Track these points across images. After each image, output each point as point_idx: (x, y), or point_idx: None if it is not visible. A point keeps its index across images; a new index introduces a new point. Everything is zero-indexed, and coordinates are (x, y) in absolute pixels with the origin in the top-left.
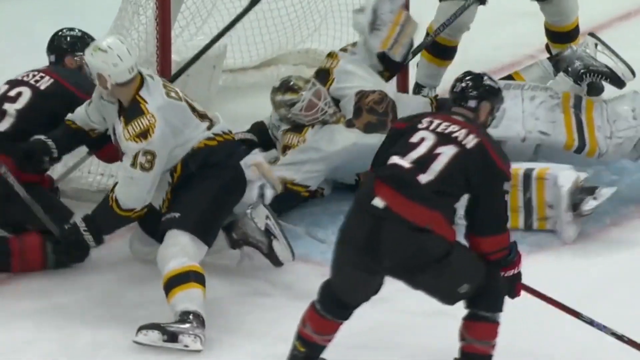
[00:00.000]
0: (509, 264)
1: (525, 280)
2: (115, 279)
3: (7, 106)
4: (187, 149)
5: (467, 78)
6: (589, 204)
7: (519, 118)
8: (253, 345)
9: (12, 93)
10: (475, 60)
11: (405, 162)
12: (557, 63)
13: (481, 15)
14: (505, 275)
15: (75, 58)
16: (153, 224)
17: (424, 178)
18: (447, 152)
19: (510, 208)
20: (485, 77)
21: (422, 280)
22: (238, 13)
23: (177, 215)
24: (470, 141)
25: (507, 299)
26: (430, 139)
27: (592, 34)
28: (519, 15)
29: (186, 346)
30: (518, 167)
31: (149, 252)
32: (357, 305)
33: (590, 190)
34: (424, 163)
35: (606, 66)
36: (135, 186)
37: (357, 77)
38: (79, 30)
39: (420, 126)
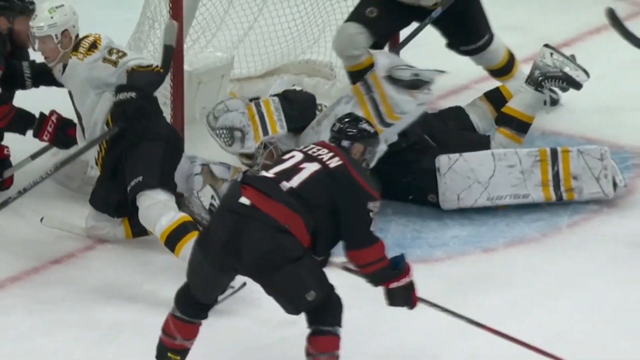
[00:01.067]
0: (396, 275)
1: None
2: (128, 271)
3: None
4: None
5: (346, 120)
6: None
7: (507, 184)
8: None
9: None
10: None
11: (270, 174)
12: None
13: None
14: (397, 286)
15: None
16: (101, 201)
17: (285, 185)
18: (309, 168)
19: (541, 182)
20: (363, 122)
21: (275, 281)
22: (244, 28)
23: (140, 178)
24: (334, 162)
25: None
26: (298, 157)
27: (546, 45)
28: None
29: (232, 287)
30: (545, 147)
31: (103, 227)
32: (211, 304)
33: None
34: (287, 174)
35: (562, 71)
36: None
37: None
38: None
39: (297, 149)
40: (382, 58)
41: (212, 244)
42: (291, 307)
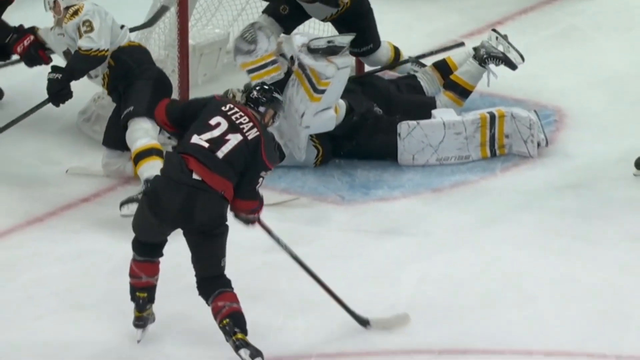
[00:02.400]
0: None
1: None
2: None
3: None
4: (115, 46)
5: (259, 89)
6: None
7: (453, 147)
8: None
9: None
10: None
11: (204, 143)
12: (477, 50)
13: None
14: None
15: None
16: (111, 138)
17: (219, 154)
18: (234, 139)
19: (480, 144)
20: (273, 90)
21: (208, 244)
22: (237, 10)
23: (131, 108)
24: (252, 134)
25: None
26: (224, 126)
27: (494, 30)
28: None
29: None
30: (484, 112)
31: (115, 163)
32: (161, 243)
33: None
34: (218, 143)
35: (503, 53)
36: (87, 38)
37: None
38: None
39: (222, 108)
40: (298, 37)
41: (165, 210)
42: (209, 267)
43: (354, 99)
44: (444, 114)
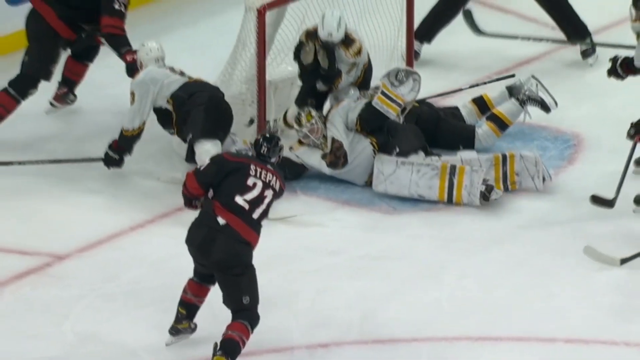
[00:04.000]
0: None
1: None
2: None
3: None
4: (171, 90)
5: (267, 144)
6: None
7: (406, 185)
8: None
9: None
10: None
11: (244, 202)
12: (511, 90)
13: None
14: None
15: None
16: (191, 157)
17: (255, 215)
18: (268, 196)
19: (494, 179)
20: (277, 138)
21: (227, 280)
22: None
23: (190, 135)
24: (277, 185)
25: None
26: (259, 186)
27: (534, 76)
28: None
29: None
30: (497, 153)
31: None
32: (208, 275)
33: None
34: (256, 203)
35: (541, 98)
36: (128, 114)
37: (335, 125)
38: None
39: (251, 172)
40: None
41: (190, 244)
42: (230, 302)
43: (405, 138)
44: (464, 154)
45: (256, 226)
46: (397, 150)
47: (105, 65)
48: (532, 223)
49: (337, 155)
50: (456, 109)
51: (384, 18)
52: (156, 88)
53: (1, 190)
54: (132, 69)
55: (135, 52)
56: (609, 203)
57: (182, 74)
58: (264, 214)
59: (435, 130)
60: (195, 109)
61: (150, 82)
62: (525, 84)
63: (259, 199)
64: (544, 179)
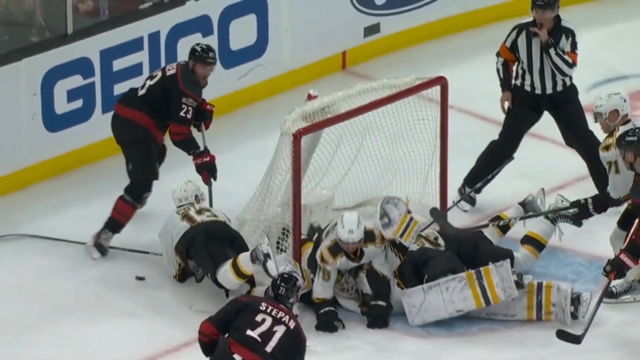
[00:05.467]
0: None
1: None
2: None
3: (147, 82)
4: (174, 243)
5: (284, 285)
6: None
7: (441, 307)
8: None
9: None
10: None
11: (256, 336)
12: (524, 205)
13: None
14: None
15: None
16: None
17: (268, 349)
18: (279, 331)
19: (527, 306)
20: (298, 281)
21: None
22: (341, 174)
23: (206, 272)
24: (292, 324)
25: None
26: (269, 321)
27: (560, 195)
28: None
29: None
30: (532, 281)
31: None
32: None
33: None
34: (267, 336)
35: (572, 214)
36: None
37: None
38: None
39: (261, 308)
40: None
41: None
42: None
43: (434, 263)
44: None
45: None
46: (426, 277)
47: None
48: (563, 351)
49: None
50: (480, 232)
51: (417, 143)
52: (170, 237)
53: (37, 314)
54: (201, 170)
55: (203, 153)
56: (576, 339)
57: (199, 212)
58: (279, 350)
59: (475, 254)
60: (194, 250)
61: (166, 233)
62: (537, 197)
63: (269, 333)
64: (574, 316)
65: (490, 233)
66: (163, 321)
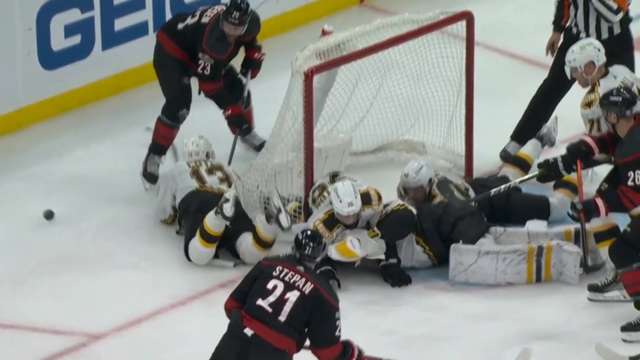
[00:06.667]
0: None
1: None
2: None
3: (188, 18)
4: (178, 199)
5: (311, 243)
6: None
7: (491, 274)
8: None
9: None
10: None
11: (267, 306)
12: (541, 138)
13: None
14: None
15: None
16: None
17: (282, 318)
18: (292, 297)
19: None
20: (319, 236)
21: None
22: (359, 116)
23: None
24: (308, 288)
25: None
26: (280, 287)
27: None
28: None
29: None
30: (571, 228)
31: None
32: None
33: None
34: (279, 304)
35: None
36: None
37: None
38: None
39: (274, 273)
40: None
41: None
42: None
43: (467, 228)
44: (533, 225)
45: (287, 331)
46: (461, 242)
47: None
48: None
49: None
50: (505, 178)
51: (441, 83)
52: (174, 186)
53: (34, 266)
54: (231, 123)
55: (235, 106)
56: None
57: (210, 170)
58: (295, 318)
59: (506, 205)
60: (186, 219)
61: (170, 179)
62: (552, 126)
63: (280, 301)
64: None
65: (514, 176)
66: (167, 274)
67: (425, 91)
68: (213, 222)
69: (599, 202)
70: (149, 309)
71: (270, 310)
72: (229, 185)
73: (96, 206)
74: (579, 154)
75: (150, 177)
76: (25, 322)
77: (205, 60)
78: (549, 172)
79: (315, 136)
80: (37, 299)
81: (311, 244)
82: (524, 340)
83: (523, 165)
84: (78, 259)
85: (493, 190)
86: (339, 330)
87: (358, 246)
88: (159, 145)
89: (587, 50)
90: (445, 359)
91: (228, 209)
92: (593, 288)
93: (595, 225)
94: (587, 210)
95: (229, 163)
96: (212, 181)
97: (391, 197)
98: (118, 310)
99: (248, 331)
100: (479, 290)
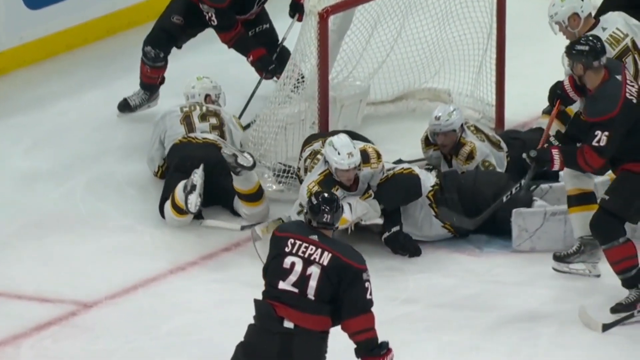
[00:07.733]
0: (376, 355)
1: None
2: None
3: None
4: (165, 150)
5: (328, 209)
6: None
7: (560, 238)
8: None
9: None
10: None
11: (291, 287)
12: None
13: None
14: None
15: None
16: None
17: (311, 297)
18: (314, 273)
19: None
20: (335, 197)
21: None
22: (378, 62)
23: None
24: (326, 259)
25: None
26: (299, 264)
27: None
28: None
29: None
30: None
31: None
32: None
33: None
34: (304, 283)
35: None
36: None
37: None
38: None
39: (287, 249)
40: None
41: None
42: None
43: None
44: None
45: (321, 309)
46: (518, 187)
47: None
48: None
49: None
50: (541, 129)
51: (470, 25)
52: (162, 132)
53: (18, 228)
54: (258, 68)
55: (255, 50)
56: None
57: (203, 116)
58: (324, 292)
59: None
60: (166, 174)
61: (160, 123)
62: None
63: (303, 279)
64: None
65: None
66: (164, 237)
67: (452, 34)
68: (181, 197)
69: (555, 153)
70: (145, 275)
71: (296, 290)
72: (221, 135)
73: (85, 162)
74: (555, 95)
75: (124, 105)
76: (9, 289)
77: (205, 10)
78: (540, 157)
79: (329, 84)
80: (22, 264)
81: (327, 209)
82: (558, 307)
83: (563, 117)
84: (66, 220)
85: (505, 196)
86: (370, 293)
87: (348, 211)
88: (143, 83)
89: (570, 2)
90: (474, 331)
91: (192, 204)
92: (557, 258)
93: (568, 187)
94: (540, 160)
95: (242, 113)
96: (202, 128)
97: (413, 149)
98: (111, 277)
99: (288, 323)
100: (508, 255)
